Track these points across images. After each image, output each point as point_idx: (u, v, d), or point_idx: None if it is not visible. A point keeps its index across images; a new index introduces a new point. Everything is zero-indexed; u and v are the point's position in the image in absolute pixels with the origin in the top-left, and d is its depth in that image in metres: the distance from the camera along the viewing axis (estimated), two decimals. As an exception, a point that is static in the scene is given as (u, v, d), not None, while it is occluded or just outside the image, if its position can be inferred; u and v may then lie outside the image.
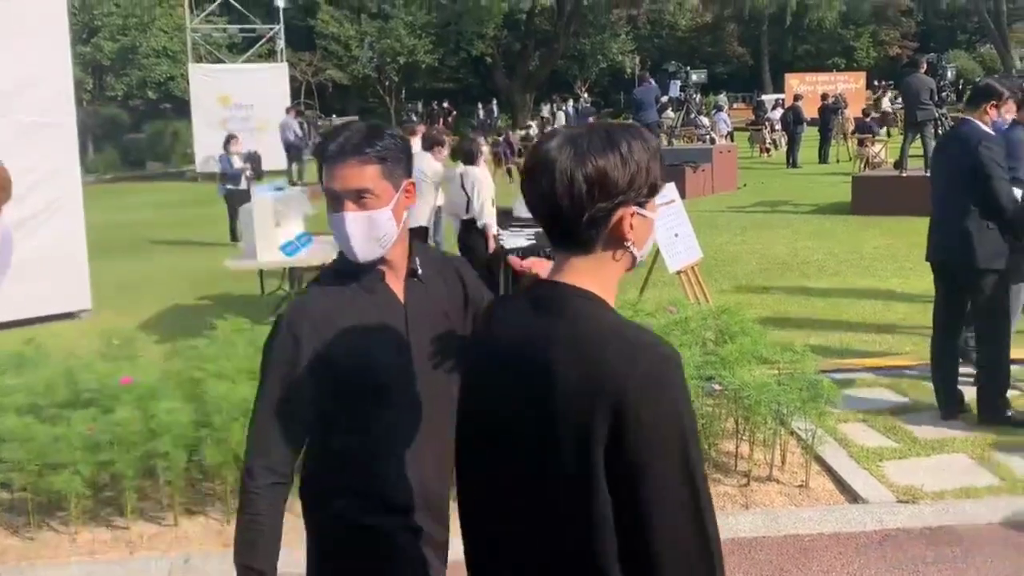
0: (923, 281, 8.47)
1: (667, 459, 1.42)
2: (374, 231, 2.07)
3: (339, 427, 2.14)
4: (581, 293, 1.54)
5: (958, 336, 5.74)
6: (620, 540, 1.46)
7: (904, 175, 13.96)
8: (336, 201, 2.09)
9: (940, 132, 14.05)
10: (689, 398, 1.49)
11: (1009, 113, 5.58)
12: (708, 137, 22.35)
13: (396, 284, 2.17)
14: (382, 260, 2.13)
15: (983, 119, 5.44)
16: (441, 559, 2.24)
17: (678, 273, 6.97)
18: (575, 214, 1.51)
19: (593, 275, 1.56)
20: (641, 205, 1.56)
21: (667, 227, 6.98)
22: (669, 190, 7.46)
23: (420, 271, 2.20)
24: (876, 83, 45.77)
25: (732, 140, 26.65)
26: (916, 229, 10.77)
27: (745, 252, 11.45)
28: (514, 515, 1.57)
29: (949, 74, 15.61)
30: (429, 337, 2.16)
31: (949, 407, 5.65)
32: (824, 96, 25.93)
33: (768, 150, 26.84)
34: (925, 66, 14.25)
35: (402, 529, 2.14)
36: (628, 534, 1.44)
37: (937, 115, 13.89)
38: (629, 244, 1.56)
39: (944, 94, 14.43)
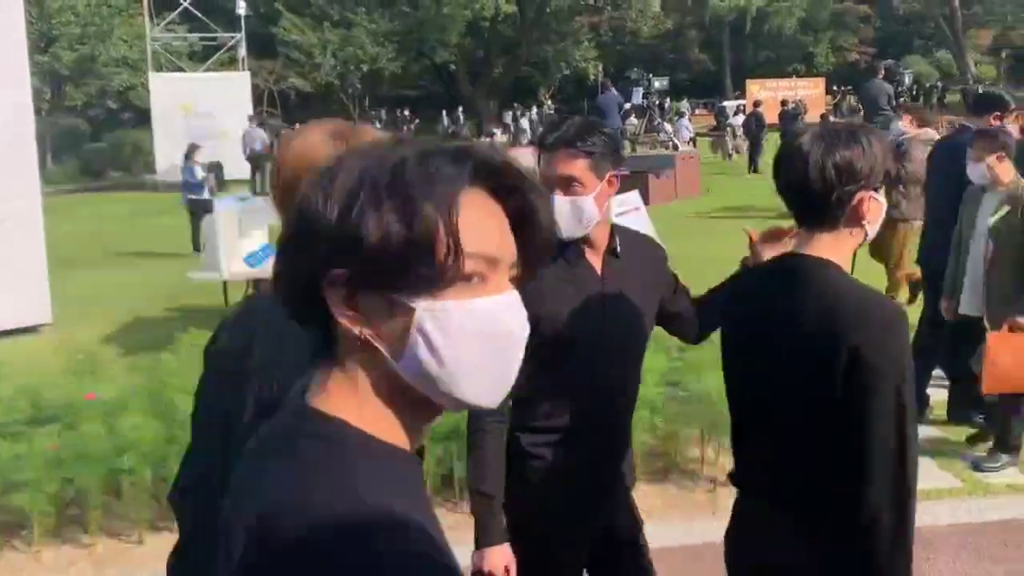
0: (883, 284, 8.59)
1: (888, 384, 1.87)
2: (578, 214, 2.43)
3: (530, 376, 2.44)
4: (824, 263, 1.97)
5: (937, 340, 5.75)
6: (846, 438, 1.94)
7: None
8: (548, 185, 2.38)
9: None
10: (908, 344, 1.96)
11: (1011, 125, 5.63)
12: (671, 143, 22.50)
13: (595, 259, 2.55)
14: (585, 238, 2.49)
15: None
16: (592, 483, 2.58)
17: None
18: (825, 195, 1.93)
19: (834, 248, 1.98)
20: (876, 191, 1.96)
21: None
22: (633, 198, 7.51)
23: (619, 249, 2.56)
24: (836, 88, 46.36)
25: (695, 146, 26.87)
26: (876, 233, 10.95)
27: (709, 258, 11.53)
28: (780, 433, 2.08)
29: (907, 79, 15.89)
30: (621, 304, 2.55)
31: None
32: (784, 102, 26.24)
33: (730, 155, 27.09)
34: (883, 72, 14.48)
35: (564, 467, 2.52)
36: (853, 431, 1.92)
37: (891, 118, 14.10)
38: (866, 222, 1.97)
39: (902, 99, 14.67)
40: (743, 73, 51.08)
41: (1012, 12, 60.37)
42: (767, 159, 23.55)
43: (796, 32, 57.09)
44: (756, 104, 26.11)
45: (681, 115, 37.43)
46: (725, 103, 41.96)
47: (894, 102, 13.84)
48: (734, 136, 28.48)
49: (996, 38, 62.25)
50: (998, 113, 5.56)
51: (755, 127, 23.92)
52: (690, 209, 16.40)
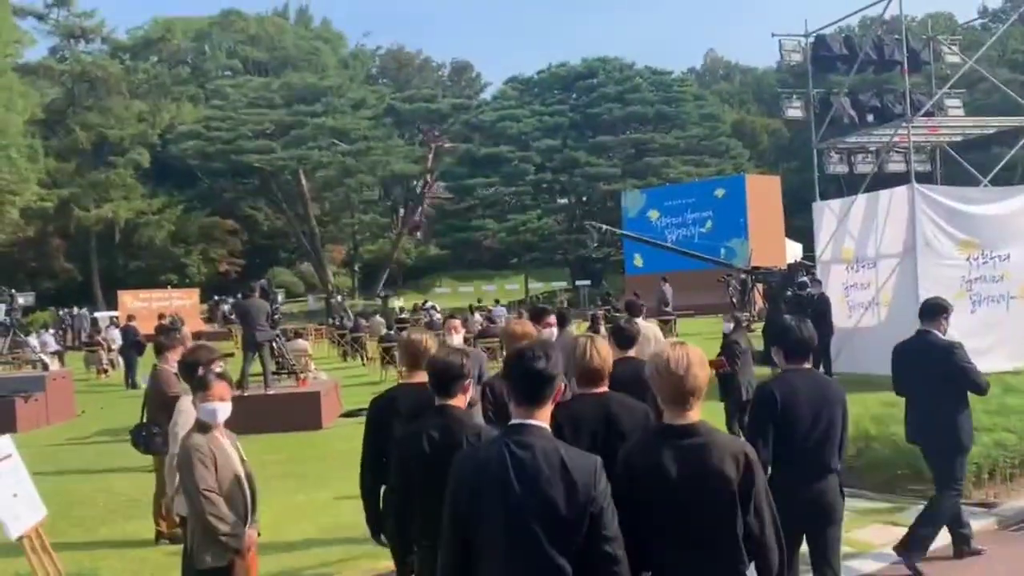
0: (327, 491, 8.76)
1: None
2: None
3: None
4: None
5: None
6: None
7: (246, 394, 14.42)
8: None
9: (274, 351, 15.01)
10: None
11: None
12: (40, 363, 20.65)
13: None
14: None
15: (939, 329, 6.49)
16: None
17: (20, 539, 6.18)
18: None
19: None
20: None
21: (4, 487, 6.20)
22: (4, 444, 6.70)
23: None
24: (213, 298, 47.51)
25: (63, 363, 25.03)
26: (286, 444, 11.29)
27: (92, 491, 10.66)
28: None
29: (280, 298, 16.89)
30: None
31: None
32: (161, 315, 26.03)
33: (106, 371, 25.82)
34: (259, 291, 15.19)
35: None
36: None
37: (274, 335, 14.82)
38: None
39: (277, 316, 15.49)
40: (114, 283, 49.81)
41: (360, 233, 68.75)
42: (144, 373, 22.89)
43: (167, 244, 57.79)
44: (130, 318, 25.51)
45: (46, 328, 34.92)
46: (97, 314, 40.26)
47: (271, 320, 14.56)
48: (108, 350, 27.28)
49: (349, 253, 70.02)
50: (945, 316, 6.55)
51: (130, 341, 23.21)
52: (64, 435, 15.10)
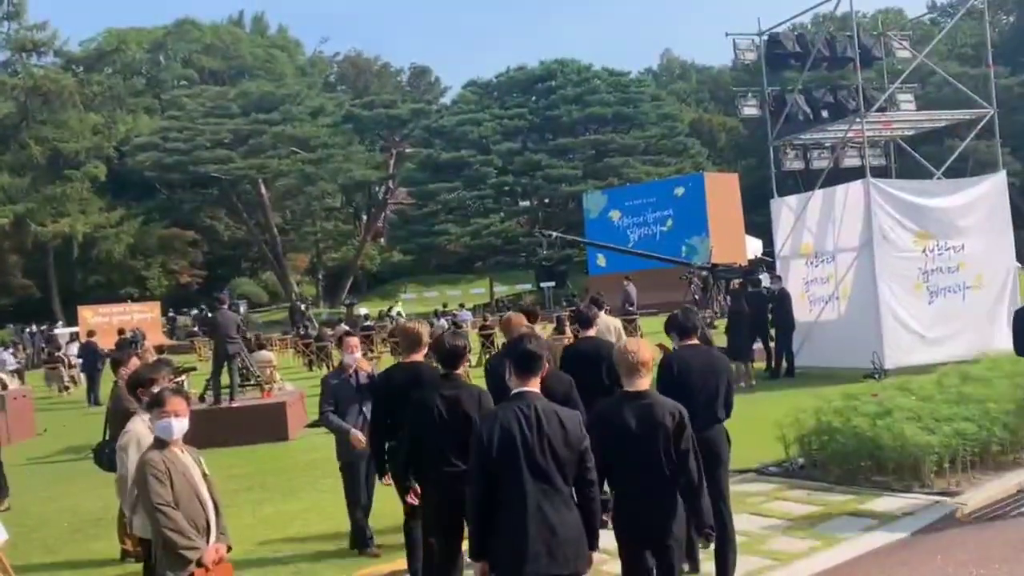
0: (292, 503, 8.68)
1: None
2: None
3: None
4: None
5: None
6: None
7: (213, 407, 14.29)
8: None
9: (240, 364, 14.89)
10: None
11: None
12: (-2, 382, 20.30)
13: None
14: None
15: None
16: None
17: (-18, 563, 6.08)
18: None
19: None
20: None
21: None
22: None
23: None
24: (172, 312, 46.92)
25: (23, 380, 24.65)
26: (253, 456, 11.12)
27: (55, 511, 10.50)
28: None
29: (242, 309, 16.72)
30: None
31: None
32: (121, 331, 25.69)
33: (67, 388, 25.44)
34: (228, 304, 15.07)
35: None
36: None
37: (241, 347, 14.70)
38: None
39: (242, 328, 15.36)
40: (73, 298, 49.11)
41: (323, 240, 68.34)
42: (106, 391, 22.54)
43: (126, 257, 57.03)
44: (91, 334, 25.14)
45: (4, 346, 34.31)
46: (56, 331, 39.64)
47: (243, 328, 14.44)
48: (69, 367, 26.89)
49: (312, 261, 69.56)
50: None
51: (92, 358, 22.89)
52: (25, 454, 14.85)
